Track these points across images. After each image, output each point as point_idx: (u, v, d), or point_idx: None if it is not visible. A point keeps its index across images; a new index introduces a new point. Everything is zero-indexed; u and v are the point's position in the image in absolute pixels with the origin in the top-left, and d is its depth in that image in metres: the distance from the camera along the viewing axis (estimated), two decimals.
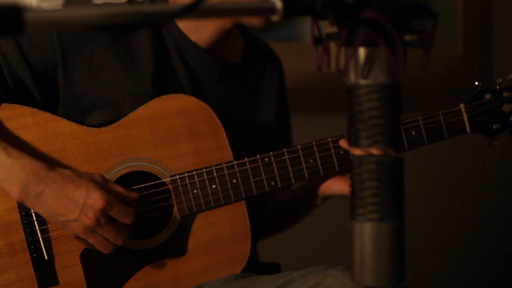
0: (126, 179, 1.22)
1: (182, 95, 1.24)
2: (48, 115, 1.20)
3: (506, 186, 2.68)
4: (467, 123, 1.30)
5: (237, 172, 1.24)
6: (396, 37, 0.61)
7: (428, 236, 2.47)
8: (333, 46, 0.66)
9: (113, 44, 1.24)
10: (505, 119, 1.31)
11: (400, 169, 0.66)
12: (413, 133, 1.29)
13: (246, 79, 1.39)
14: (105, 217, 1.12)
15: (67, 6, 0.59)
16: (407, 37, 0.64)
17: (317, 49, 0.65)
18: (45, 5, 0.57)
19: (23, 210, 1.17)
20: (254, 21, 1.24)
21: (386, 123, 0.65)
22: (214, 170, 1.23)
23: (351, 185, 0.68)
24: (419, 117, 1.29)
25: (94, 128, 1.21)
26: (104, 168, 1.20)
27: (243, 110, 1.38)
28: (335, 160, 1.27)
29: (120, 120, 1.22)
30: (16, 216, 1.17)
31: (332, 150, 1.27)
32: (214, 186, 1.23)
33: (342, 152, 1.27)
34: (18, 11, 0.56)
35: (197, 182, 1.23)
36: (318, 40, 0.66)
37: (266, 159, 1.25)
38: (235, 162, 1.24)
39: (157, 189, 1.23)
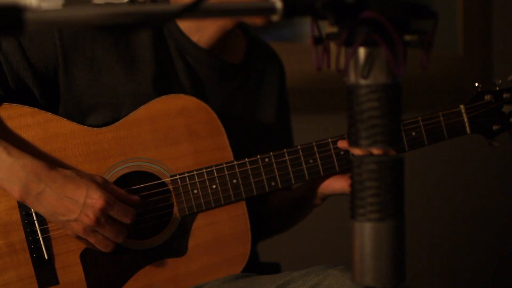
0: (127, 179, 1.22)
1: (182, 95, 1.24)
2: (49, 115, 1.20)
3: (506, 186, 2.68)
4: (467, 124, 1.30)
5: (238, 172, 1.24)
6: (396, 37, 0.62)
7: (428, 236, 2.47)
8: (333, 46, 0.66)
9: (114, 44, 1.24)
10: (505, 120, 1.31)
11: (400, 169, 0.66)
12: (413, 133, 1.29)
13: (247, 80, 1.39)
14: (105, 217, 1.13)
15: (67, 6, 0.59)
16: (407, 37, 0.64)
17: (317, 49, 0.65)
18: (45, 5, 0.58)
19: (23, 209, 1.17)
20: (255, 20, 1.24)
21: (386, 123, 0.65)
22: (215, 170, 1.23)
23: (351, 185, 0.68)
24: (419, 118, 1.29)
25: (95, 128, 1.21)
26: (104, 168, 1.20)
27: (243, 110, 1.38)
28: (335, 160, 1.27)
29: (121, 120, 1.22)
30: (16, 216, 1.17)
31: (332, 151, 1.27)
32: (214, 186, 1.23)
33: (342, 152, 1.27)
34: (18, 11, 0.56)
35: (197, 182, 1.23)
36: (318, 40, 0.66)
37: (267, 160, 1.25)
38: (235, 162, 1.24)
39: (158, 189, 1.23)
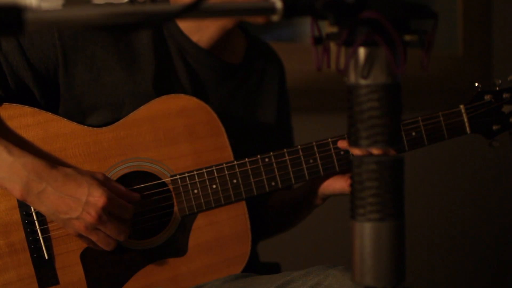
0: (127, 179, 1.22)
1: (182, 95, 1.24)
2: (49, 115, 1.20)
3: (506, 186, 2.68)
4: (467, 124, 1.30)
5: (238, 172, 1.24)
6: (396, 37, 0.62)
7: (428, 236, 2.47)
8: (333, 46, 0.66)
9: (114, 44, 1.24)
10: (505, 120, 1.32)
11: (400, 169, 0.66)
12: (413, 133, 1.29)
13: (247, 80, 1.39)
14: (107, 214, 1.13)
15: (67, 6, 0.59)
16: (407, 37, 0.64)
17: (317, 49, 0.65)
18: (45, 5, 0.58)
19: (24, 209, 1.17)
20: (256, 18, 1.24)
21: (386, 123, 0.65)
22: (215, 170, 1.23)
23: (351, 185, 0.68)
24: (419, 118, 1.29)
25: (95, 128, 1.21)
26: (104, 168, 1.20)
27: (243, 110, 1.38)
28: (335, 160, 1.27)
29: (121, 120, 1.22)
30: (16, 216, 1.17)
31: (333, 151, 1.27)
32: (214, 186, 1.23)
33: (342, 152, 1.27)
34: (18, 11, 0.56)
35: (197, 182, 1.23)
36: (318, 40, 0.66)
37: (267, 160, 1.25)
38: (235, 162, 1.24)
39: (158, 189, 1.23)
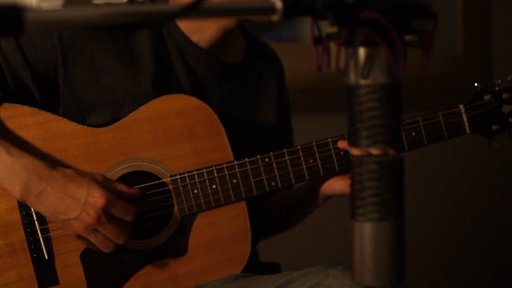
0: (127, 179, 1.22)
1: (182, 95, 1.24)
2: (49, 115, 1.20)
3: (506, 186, 2.68)
4: (466, 124, 1.30)
5: (238, 172, 1.24)
6: (396, 37, 0.62)
7: (428, 236, 2.47)
8: (333, 46, 0.66)
9: (114, 44, 1.24)
10: (505, 120, 1.32)
11: (400, 169, 0.66)
12: (413, 133, 1.29)
13: (246, 80, 1.39)
14: (106, 216, 1.13)
15: (67, 6, 0.59)
16: (407, 37, 0.64)
17: (317, 49, 0.65)
18: (45, 5, 0.58)
19: (24, 209, 1.17)
20: (259, 17, 1.24)
21: (386, 123, 0.65)
22: (215, 170, 1.23)
23: (351, 185, 0.68)
24: (419, 118, 1.29)
25: (95, 128, 1.21)
26: (104, 168, 1.20)
27: (243, 110, 1.38)
28: (335, 160, 1.27)
29: (121, 120, 1.22)
30: (16, 216, 1.17)
31: (332, 151, 1.27)
32: (214, 186, 1.23)
33: (342, 152, 1.27)
34: (18, 11, 0.56)
35: (197, 182, 1.23)
36: (318, 40, 0.66)
37: (267, 159, 1.25)
38: (235, 162, 1.24)
39: (158, 189, 1.23)
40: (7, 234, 1.17)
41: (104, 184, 1.15)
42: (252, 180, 1.24)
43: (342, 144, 1.26)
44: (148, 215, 1.24)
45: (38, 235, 1.18)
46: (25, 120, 1.18)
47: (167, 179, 1.22)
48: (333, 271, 1.12)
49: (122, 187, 1.18)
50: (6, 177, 1.12)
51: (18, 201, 1.17)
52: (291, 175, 1.26)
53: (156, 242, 1.23)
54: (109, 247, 1.16)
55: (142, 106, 1.22)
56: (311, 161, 1.27)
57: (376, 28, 0.62)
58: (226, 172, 1.23)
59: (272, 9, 0.62)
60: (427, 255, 2.48)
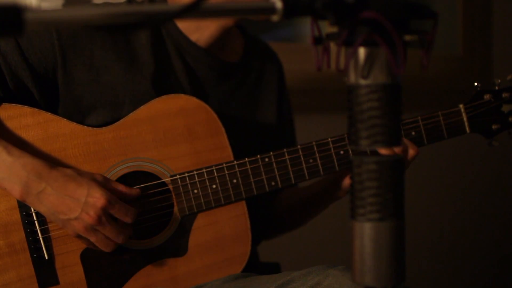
0: (127, 179, 1.22)
1: (182, 95, 1.24)
2: (49, 115, 1.20)
3: (506, 186, 2.68)
4: (466, 124, 1.30)
5: (238, 172, 1.24)
6: (396, 37, 0.62)
7: (428, 236, 2.47)
8: (333, 46, 0.66)
9: (113, 44, 1.24)
10: (504, 120, 1.32)
11: (400, 169, 0.66)
12: (413, 133, 1.29)
13: (246, 79, 1.39)
14: (106, 216, 1.13)
15: (67, 6, 0.59)
16: (407, 37, 0.64)
17: (317, 49, 0.65)
18: (45, 5, 0.58)
19: (24, 209, 1.17)
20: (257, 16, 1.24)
21: (386, 123, 0.65)
22: (215, 170, 1.23)
23: (351, 185, 0.68)
24: (419, 118, 1.29)
25: (95, 128, 1.21)
26: (104, 168, 1.20)
27: (243, 110, 1.38)
28: (335, 160, 1.27)
29: (121, 120, 1.22)
30: (16, 216, 1.17)
31: (332, 150, 1.27)
32: (214, 186, 1.23)
33: (342, 152, 1.27)
34: (18, 11, 0.56)
35: (197, 182, 1.23)
36: (318, 40, 0.66)
37: (267, 159, 1.25)
38: (235, 162, 1.24)
39: (158, 189, 1.23)
40: (7, 234, 1.17)
41: (104, 184, 1.15)
42: (252, 180, 1.24)
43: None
44: (148, 215, 1.24)
45: (38, 235, 1.18)
46: (25, 120, 1.18)
47: (167, 179, 1.22)
48: (333, 271, 1.12)
49: (122, 187, 1.18)
50: (6, 177, 1.12)
51: (18, 201, 1.17)
52: (291, 175, 1.26)
53: (156, 242, 1.23)
54: (109, 247, 1.16)
55: (142, 106, 1.22)
56: (311, 161, 1.27)
57: (376, 28, 0.62)
58: (226, 172, 1.23)
59: (272, 9, 0.62)
60: (427, 255, 2.48)
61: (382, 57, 0.64)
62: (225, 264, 1.25)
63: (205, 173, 1.23)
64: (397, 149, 1.09)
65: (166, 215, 1.24)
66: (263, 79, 1.43)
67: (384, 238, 0.66)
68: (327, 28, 1.53)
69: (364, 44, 0.64)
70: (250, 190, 1.24)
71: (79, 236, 1.16)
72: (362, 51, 0.64)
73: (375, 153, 1.15)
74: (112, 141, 1.21)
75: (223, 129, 1.25)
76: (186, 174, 1.22)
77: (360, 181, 0.66)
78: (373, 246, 0.66)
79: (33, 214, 1.18)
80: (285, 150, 1.26)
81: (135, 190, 1.19)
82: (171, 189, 1.22)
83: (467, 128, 1.31)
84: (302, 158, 1.26)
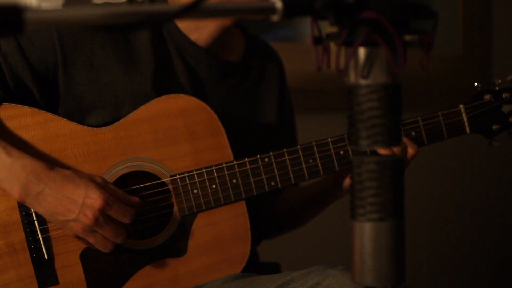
0: (126, 179, 1.22)
1: (182, 95, 1.24)
2: (49, 115, 1.20)
3: (506, 186, 2.68)
4: (466, 124, 1.30)
5: (237, 172, 1.24)
6: (396, 37, 0.61)
7: (428, 236, 2.47)
8: (333, 46, 0.66)
9: (114, 44, 1.24)
10: (505, 120, 1.32)
11: (400, 169, 0.66)
12: (413, 133, 1.29)
13: (246, 79, 1.39)
14: (104, 217, 1.13)
15: (67, 6, 0.59)
16: (407, 37, 0.64)
17: (317, 49, 0.65)
18: (45, 5, 0.58)
19: (23, 209, 1.17)
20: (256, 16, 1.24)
21: (386, 123, 0.65)
22: (214, 170, 1.23)
23: (351, 185, 0.68)
24: (419, 118, 1.29)
25: (95, 128, 1.21)
26: (104, 168, 1.20)
27: (243, 109, 1.38)
28: (335, 160, 1.27)
29: (121, 120, 1.22)
30: (16, 216, 1.17)
31: (332, 151, 1.27)
32: (214, 186, 1.23)
33: (342, 152, 1.27)
34: (18, 11, 0.56)
35: (197, 182, 1.23)
36: (318, 40, 0.66)
37: (266, 159, 1.25)
38: (235, 162, 1.24)
39: (157, 189, 1.23)
40: (7, 234, 1.17)
41: (103, 185, 1.15)
42: (252, 180, 1.24)
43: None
44: (147, 215, 1.23)
45: (38, 235, 1.18)
46: (24, 120, 1.18)
47: (166, 179, 1.22)
48: (333, 271, 1.12)
49: (120, 193, 1.17)
50: (5, 177, 1.12)
51: (18, 201, 1.17)
52: (291, 175, 1.26)
53: (156, 242, 1.22)
54: (108, 247, 1.16)
55: (142, 106, 1.22)
56: (311, 161, 1.27)
57: (376, 28, 0.62)
58: (226, 172, 1.23)
59: (272, 9, 0.62)
60: (427, 255, 2.48)
61: (382, 57, 0.64)
62: (225, 264, 1.25)
63: (205, 173, 1.23)
64: (396, 149, 1.09)
65: (165, 215, 1.24)
66: (264, 78, 1.43)
67: (384, 238, 0.66)
68: (327, 28, 1.53)
69: (364, 44, 0.64)
70: (250, 190, 1.24)
71: (77, 237, 1.16)
72: (362, 51, 0.64)
73: (375, 153, 1.16)
74: (112, 141, 1.21)
75: (223, 129, 1.25)
76: (186, 174, 1.22)
77: (360, 181, 0.66)
78: (373, 246, 0.66)
79: (33, 214, 1.18)
80: (285, 150, 1.26)
81: (134, 198, 1.19)
82: (171, 189, 1.22)
83: (467, 128, 1.31)
84: (302, 158, 1.26)
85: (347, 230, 0.70)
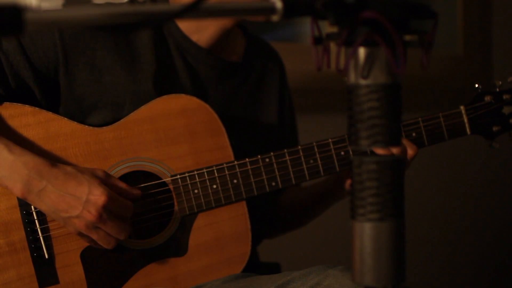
0: (127, 179, 1.22)
1: (183, 95, 1.24)
2: (50, 114, 1.20)
3: (506, 187, 2.68)
4: (467, 125, 1.30)
5: (238, 173, 1.24)
6: (396, 37, 0.62)
7: (428, 236, 2.47)
8: (333, 46, 0.66)
9: (115, 44, 1.24)
10: (505, 121, 1.32)
11: (400, 169, 0.66)
12: (414, 134, 1.29)
13: (247, 79, 1.39)
14: (107, 213, 1.13)
15: (67, 6, 0.59)
16: (407, 37, 0.64)
17: (317, 49, 0.65)
18: (45, 5, 0.58)
19: (24, 208, 1.17)
20: (256, 16, 1.24)
21: (386, 123, 0.65)
22: (215, 170, 1.23)
23: (351, 185, 0.68)
24: (420, 119, 1.29)
25: (95, 128, 1.21)
26: (105, 168, 1.20)
27: (244, 109, 1.38)
28: (335, 160, 1.27)
29: (121, 120, 1.22)
30: (16, 215, 1.17)
31: (333, 151, 1.27)
32: (215, 186, 1.23)
33: (342, 153, 1.27)
34: (18, 11, 0.56)
35: (198, 182, 1.23)
36: (318, 40, 0.66)
37: (267, 160, 1.25)
38: (236, 162, 1.24)
39: (158, 189, 1.23)
40: (7, 233, 1.17)
41: (105, 180, 1.15)
42: (252, 180, 1.24)
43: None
44: (148, 215, 1.24)
45: (39, 234, 1.18)
46: (26, 119, 1.19)
47: (167, 179, 1.22)
48: (333, 271, 1.12)
49: (123, 185, 1.18)
50: (7, 175, 1.12)
51: (18, 200, 1.17)
52: (292, 176, 1.26)
53: (157, 241, 1.23)
54: (110, 244, 1.16)
55: (142, 106, 1.22)
56: (311, 161, 1.27)
57: (376, 28, 0.62)
58: (227, 172, 1.24)
59: (272, 9, 0.62)
60: (427, 255, 2.48)
61: (382, 57, 0.64)
62: (225, 264, 1.25)
63: (205, 173, 1.23)
64: (395, 150, 1.09)
65: (166, 215, 1.24)
66: (265, 79, 1.43)
67: (384, 238, 0.66)
68: (327, 28, 1.53)
69: (364, 44, 0.64)
70: (251, 190, 1.24)
71: (80, 234, 1.16)
72: (362, 51, 0.64)
73: (375, 153, 1.16)
74: (112, 141, 1.21)
75: (223, 129, 1.25)
76: (186, 174, 1.22)
77: (360, 181, 0.66)
78: (373, 246, 0.66)
79: (34, 213, 1.18)
80: (285, 150, 1.26)
81: (136, 190, 1.19)
82: (172, 189, 1.22)
83: (467, 130, 1.31)
84: (302, 159, 1.26)
85: (347, 230, 0.70)
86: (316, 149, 1.27)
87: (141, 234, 1.23)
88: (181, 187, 1.22)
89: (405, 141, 1.26)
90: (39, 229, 1.18)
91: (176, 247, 1.23)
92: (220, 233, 1.25)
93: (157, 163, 1.22)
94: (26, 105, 1.19)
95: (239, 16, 1.13)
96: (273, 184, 1.26)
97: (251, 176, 1.24)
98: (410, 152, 1.26)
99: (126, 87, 1.24)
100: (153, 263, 1.22)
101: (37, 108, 1.19)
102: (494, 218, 2.68)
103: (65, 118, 1.20)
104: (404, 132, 1.28)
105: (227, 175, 1.24)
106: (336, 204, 1.45)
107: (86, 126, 1.21)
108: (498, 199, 2.68)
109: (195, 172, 1.23)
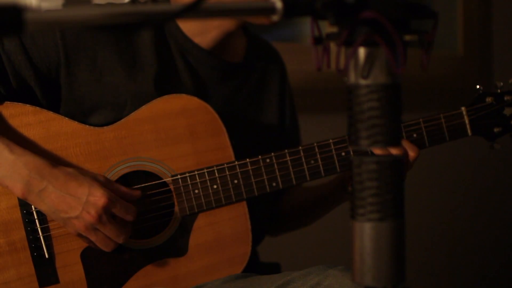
0: (127, 179, 1.22)
1: (184, 95, 1.24)
2: (51, 114, 1.20)
3: (506, 188, 2.68)
4: (468, 126, 1.30)
5: (239, 173, 1.24)
6: (396, 37, 0.62)
7: (428, 236, 2.47)
8: (333, 46, 0.66)
9: (116, 44, 1.24)
10: (506, 123, 1.32)
11: (400, 169, 0.67)
12: (415, 135, 1.29)
13: (248, 79, 1.39)
14: (107, 215, 1.13)
15: (67, 6, 0.59)
16: (407, 37, 0.64)
17: (317, 49, 0.65)
18: (45, 5, 0.58)
19: (24, 208, 1.17)
20: (260, 19, 1.24)
21: (386, 123, 0.65)
22: (216, 170, 1.23)
23: (351, 185, 0.68)
24: (421, 120, 1.29)
25: (96, 128, 1.21)
26: (105, 168, 1.20)
27: (245, 110, 1.38)
28: (336, 161, 1.27)
29: (122, 120, 1.22)
30: (17, 214, 1.17)
31: (334, 152, 1.27)
32: (215, 186, 1.23)
33: (343, 153, 1.27)
34: (18, 11, 0.56)
35: (198, 182, 1.23)
36: (318, 40, 0.66)
37: (268, 160, 1.25)
38: (236, 162, 1.24)
39: (159, 189, 1.23)
40: (8, 233, 1.17)
41: (106, 184, 1.15)
42: (253, 180, 1.24)
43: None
44: (148, 215, 1.24)
45: (39, 234, 1.18)
46: (26, 118, 1.19)
47: (168, 179, 1.22)
48: (333, 271, 1.12)
49: (123, 189, 1.18)
50: (8, 174, 1.12)
51: (19, 200, 1.17)
52: (292, 176, 1.26)
53: (157, 241, 1.23)
54: (109, 246, 1.16)
55: (143, 106, 1.22)
56: (312, 162, 1.27)
57: (376, 28, 0.62)
58: (227, 173, 1.24)
59: (272, 9, 0.62)
60: (427, 255, 2.48)
61: (382, 57, 0.64)
62: (226, 264, 1.25)
63: (206, 173, 1.23)
64: (393, 151, 1.09)
65: (166, 215, 1.24)
66: (266, 79, 1.43)
67: (384, 238, 0.66)
68: (327, 28, 1.53)
69: (364, 44, 0.64)
70: (251, 190, 1.24)
71: (79, 235, 1.16)
72: (362, 51, 0.64)
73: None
74: (113, 141, 1.21)
75: (224, 130, 1.25)
76: (187, 174, 1.22)
77: (360, 181, 0.66)
78: (373, 246, 0.66)
79: (34, 212, 1.18)
80: (286, 151, 1.26)
81: (136, 192, 1.20)
82: (172, 189, 1.23)
83: (469, 131, 1.31)
84: (303, 159, 1.26)
85: (347, 230, 0.70)
86: (316, 150, 1.27)
87: (142, 234, 1.23)
88: (181, 187, 1.22)
89: (406, 143, 1.26)
90: (39, 229, 1.18)
91: (177, 247, 1.23)
92: (221, 233, 1.25)
93: (158, 163, 1.22)
94: (27, 105, 1.19)
95: (239, 16, 1.13)
96: (274, 184, 1.26)
97: (252, 176, 1.24)
98: (412, 154, 1.26)
99: (127, 88, 1.24)
100: (153, 263, 1.22)
101: (38, 108, 1.20)
102: (494, 219, 2.68)
103: (66, 118, 1.20)
104: (405, 132, 1.28)
105: (228, 175, 1.24)
106: None
107: (87, 125, 1.21)
108: (498, 200, 2.68)
109: (196, 172, 1.23)
